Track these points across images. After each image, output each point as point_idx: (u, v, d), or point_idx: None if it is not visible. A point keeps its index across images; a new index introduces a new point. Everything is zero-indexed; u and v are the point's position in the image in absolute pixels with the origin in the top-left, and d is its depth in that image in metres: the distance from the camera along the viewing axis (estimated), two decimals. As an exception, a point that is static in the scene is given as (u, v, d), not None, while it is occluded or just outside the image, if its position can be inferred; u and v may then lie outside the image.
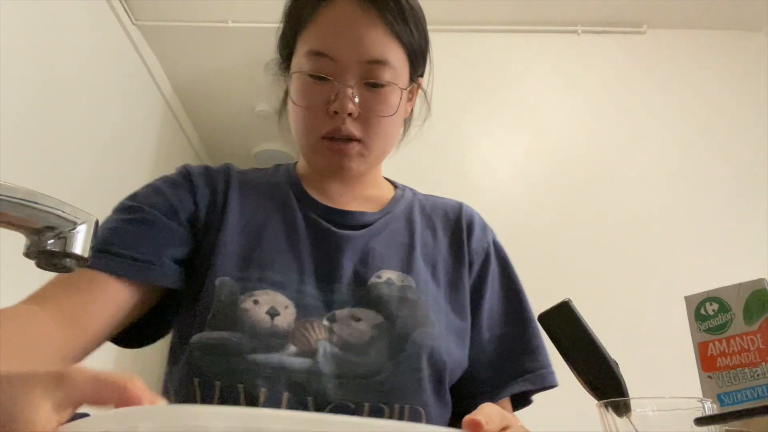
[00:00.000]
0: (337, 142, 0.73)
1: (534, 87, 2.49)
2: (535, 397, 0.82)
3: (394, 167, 2.24)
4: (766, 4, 2.40)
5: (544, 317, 0.60)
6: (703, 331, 0.64)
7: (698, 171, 2.34)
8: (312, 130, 0.74)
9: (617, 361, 0.60)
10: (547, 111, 2.45)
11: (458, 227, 0.84)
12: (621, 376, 0.56)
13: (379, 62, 0.72)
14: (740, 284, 0.63)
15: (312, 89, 0.73)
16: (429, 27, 0.79)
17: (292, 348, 0.66)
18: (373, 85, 0.73)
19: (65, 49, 2.07)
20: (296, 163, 0.88)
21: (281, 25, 0.79)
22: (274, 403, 0.63)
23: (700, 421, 0.46)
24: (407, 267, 0.76)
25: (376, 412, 0.65)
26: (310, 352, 0.66)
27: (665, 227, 2.25)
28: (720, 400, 0.61)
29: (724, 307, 0.63)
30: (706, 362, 0.63)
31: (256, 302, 0.67)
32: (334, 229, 0.76)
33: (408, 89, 0.79)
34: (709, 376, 0.62)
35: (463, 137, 2.42)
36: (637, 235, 2.24)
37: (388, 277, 0.74)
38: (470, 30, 2.54)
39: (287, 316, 0.68)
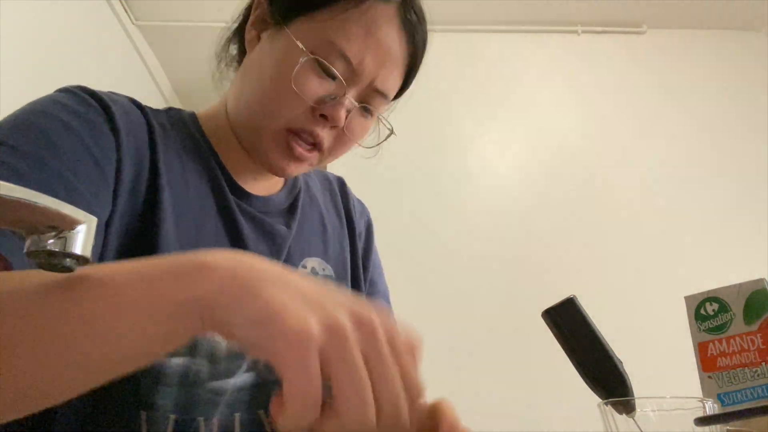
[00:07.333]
0: (301, 144, 0.66)
1: (534, 87, 2.49)
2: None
3: (393, 167, 2.24)
4: (766, 4, 2.40)
5: (549, 313, 0.60)
6: (703, 331, 0.64)
7: (698, 171, 2.34)
8: (282, 115, 0.65)
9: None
10: (546, 111, 2.45)
11: (347, 201, 0.84)
12: (626, 374, 0.56)
13: (384, 95, 0.69)
14: (740, 284, 0.63)
15: (314, 78, 0.64)
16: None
17: (244, 365, 0.61)
18: (365, 111, 0.69)
19: (65, 49, 2.07)
20: (194, 114, 0.75)
21: None
22: (229, 426, 0.59)
23: (701, 421, 0.46)
24: (324, 253, 0.75)
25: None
26: (254, 363, 0.62)
27: (665, 227, 2.25)
28: (720, 400, 0.61)
29: (724, 307, 0.63)
30: (706, 362, 0.63)
31: None
32: (268, 221, 0.70)
33: None
34: (709, 376, 0.62)
35: (463, 137, 2.42)
36: (636, 235, 2.24)
37: (312, 266, 0.72)
38: (470, 30, 2.54)
39: None
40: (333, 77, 0.64)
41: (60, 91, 0.60)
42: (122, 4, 2.45)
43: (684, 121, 2.41)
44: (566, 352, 0.58)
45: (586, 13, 2.50)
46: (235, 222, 0.67)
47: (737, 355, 0.61)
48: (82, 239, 0.36)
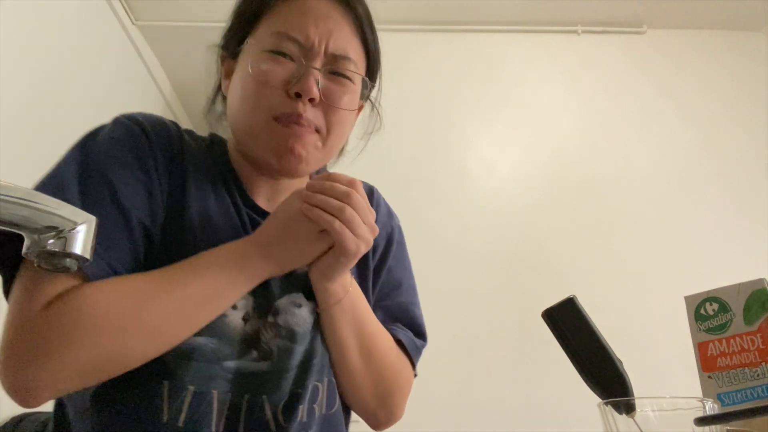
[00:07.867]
0: (291, 126, 0.69)
1: (534, 87, 2.49)
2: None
3: (393, 166, 2.24)
4: (766, 4, 2.40)
5: (549, 313, 0.60)
6: (703, 331, 0.64)
7: (698, 171, 2.34)
8: (262, 108, 0.69)
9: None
10: (546, 111, 2.45)
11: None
12: (626, 374, 0.56)
13: (345, 58, 0.72)
14: (740, 284, 0.63)
15: (272, 66, 0.69)
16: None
17: (254, 353, 0.67)
18: (337, 75, 0.72)
19: (65, 49, 2.07)
20: (226, 143, 0.81)
21: (239, 4, 0.76)
22: (235, 406, 0.65)
23: (701, 421, 0.46)
24: None
25: (314, 391, 0.70)
26: (268, 354, 0.67)
27: (665, 227, 2.25)
28: (720, 400, 0.61)
29: (724, 307, 0.63)
30: (706, 362, 0.63)
31: (234, 307, 0.66)
32: None
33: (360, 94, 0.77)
34: (709, 376, 0.62)
35: (463, 137, 2.42)
36: (637, 235, 2.24)
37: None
38: (470, 30, 2.54)
39: (254, 320, 0.68)
40: (291, 58, 0.69)
41: (114, 123, 0.70)
42: (122, 4, 2.45)
43: (684, 120, 2.41)
44: (566, 353, 0.58)
45: (586, 13, 2.50)
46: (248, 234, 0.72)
47: (737, 355, 0.61)
48: (82, 239, 0.36)
